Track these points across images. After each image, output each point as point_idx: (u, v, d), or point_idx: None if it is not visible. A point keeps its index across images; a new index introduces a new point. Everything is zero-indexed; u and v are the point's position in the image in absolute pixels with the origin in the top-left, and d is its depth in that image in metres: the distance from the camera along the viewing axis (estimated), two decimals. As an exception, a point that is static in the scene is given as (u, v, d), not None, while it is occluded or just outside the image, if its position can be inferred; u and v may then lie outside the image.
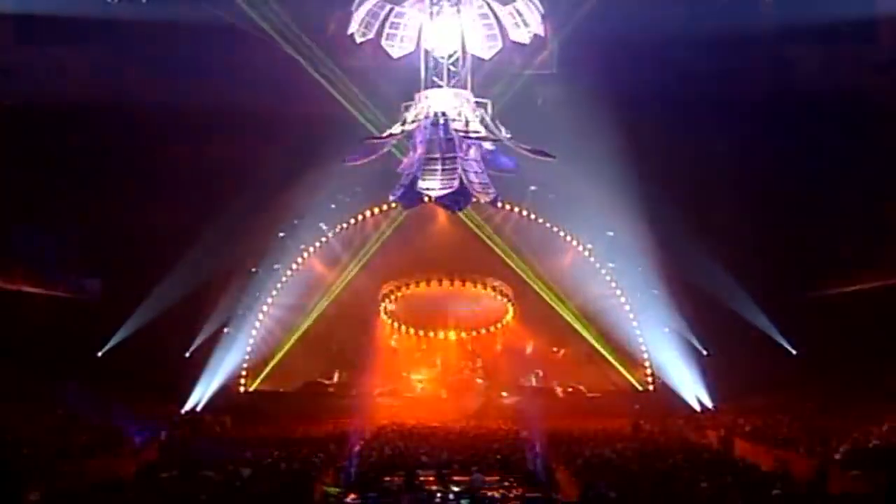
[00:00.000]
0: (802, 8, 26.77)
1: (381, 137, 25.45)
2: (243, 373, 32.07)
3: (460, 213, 29.58)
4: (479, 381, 34.09)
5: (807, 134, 28.31)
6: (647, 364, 32.20)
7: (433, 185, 26.76)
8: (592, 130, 26.50)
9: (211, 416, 29.34)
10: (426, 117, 25.16)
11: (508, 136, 25.14)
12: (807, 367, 28.51)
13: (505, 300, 34.09)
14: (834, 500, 17.05)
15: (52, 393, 26.94)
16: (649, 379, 32.27)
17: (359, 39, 24.28)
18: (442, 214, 31.45)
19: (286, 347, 32.30)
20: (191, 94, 27.39)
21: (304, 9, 27.42)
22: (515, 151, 25.53)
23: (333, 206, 32.37)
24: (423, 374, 34.17)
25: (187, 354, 30.39)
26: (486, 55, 24.34)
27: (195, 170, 29.24)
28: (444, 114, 24.99)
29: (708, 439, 25.75)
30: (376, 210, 32.66)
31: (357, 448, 22.53)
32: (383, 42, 24.29)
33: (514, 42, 24.30)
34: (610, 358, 32.24)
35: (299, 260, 32.90)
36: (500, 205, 29.74)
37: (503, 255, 32.33)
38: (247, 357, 31.97)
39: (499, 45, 24.06)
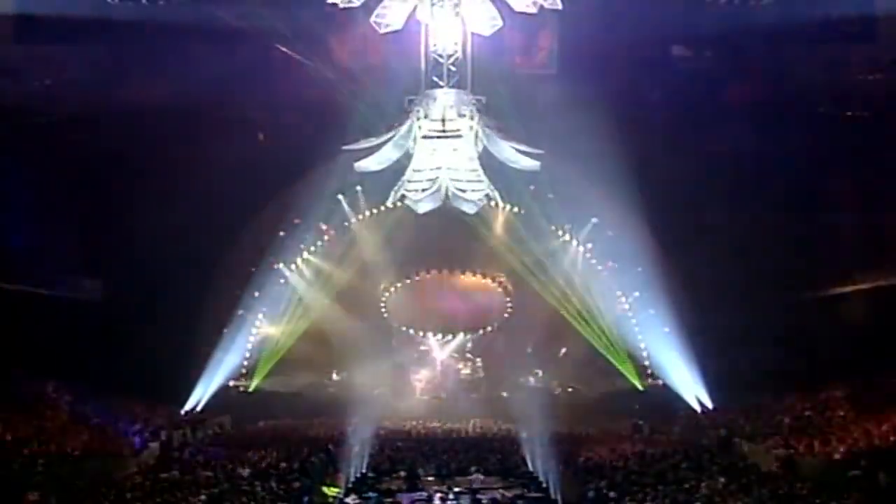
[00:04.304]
0: (802, 8, 26.74)
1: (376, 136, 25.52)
2: (243, 372, 32.07)
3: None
4: (479, 381, 34.10)
5: (806, 134, 28.29)
6: (647, 364, 32.19)
7: (418, 186, 26.92)
8: (592, 131, 26.48)
9: (211, 416, 29.37)
10: (416, 119, 25.30)
11: (496, 128, 25.18)
12: (807, 367, 28.48)
13: (504, 294, 34.08)
14: (833, 499, 17.06)
15: (53, 393, 26.94)
16: (649, 379, 32.26)
17: (342, 5, 24.18)
18: (441, 212, 31.37)
19: (287, 347, 32.28)
20: (190, 94, 27.36)
21: (305, 9, 27.39)
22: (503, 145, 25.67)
23: (333, 206, 32.35)
24: (423, 374, 34.15)
25: (187, 354, 30.37)
26: (487, 32, 24.27)
27: (195, 170, 29.19)
28: (428, 115, 25.09)
29: (708, 439, 25.75)
30: (376, 210, 32.60)
31: (357, 448, 22.54)
32: (372, 18, 24.24)
33: (522, 13, 24.09)
34: (610, 358, 32.23)
35: (298, 260, 32.87)
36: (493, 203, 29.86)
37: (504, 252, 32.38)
38: (247, 357, 31.97)
39: (499, 22, 23.99)
